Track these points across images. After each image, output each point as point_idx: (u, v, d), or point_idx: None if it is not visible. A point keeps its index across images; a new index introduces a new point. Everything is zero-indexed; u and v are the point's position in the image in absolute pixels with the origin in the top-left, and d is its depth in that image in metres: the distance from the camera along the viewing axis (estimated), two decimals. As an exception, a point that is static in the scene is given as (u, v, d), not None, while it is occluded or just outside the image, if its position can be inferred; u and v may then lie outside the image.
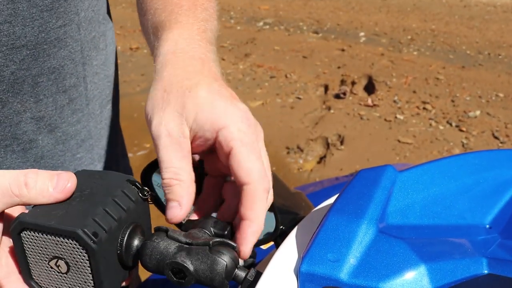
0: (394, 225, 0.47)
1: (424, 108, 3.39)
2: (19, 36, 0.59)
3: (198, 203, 0.49)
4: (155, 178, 0.53)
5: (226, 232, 0.44)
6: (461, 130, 3.11)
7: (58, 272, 0.40)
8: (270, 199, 0.45)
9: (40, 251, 0.39)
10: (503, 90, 3.61)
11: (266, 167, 0.44)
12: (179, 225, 0.46)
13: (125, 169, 0.89)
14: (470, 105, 3.41)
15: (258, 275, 0.42)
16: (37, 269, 0.41)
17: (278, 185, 0.59)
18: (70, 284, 0.40)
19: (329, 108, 3.46)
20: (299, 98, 3.64)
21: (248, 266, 0.42)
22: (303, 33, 5.05)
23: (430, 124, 3.20)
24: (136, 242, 0.41)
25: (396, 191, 0.48)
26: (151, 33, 0.59)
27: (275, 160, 2.82)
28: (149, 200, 0.44)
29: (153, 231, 0.43)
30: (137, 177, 0.48)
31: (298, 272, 0.41)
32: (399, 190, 0.48)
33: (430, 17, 5.42)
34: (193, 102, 0.43)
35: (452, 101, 3.48)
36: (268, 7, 5.88)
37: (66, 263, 0.39)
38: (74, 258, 0.39)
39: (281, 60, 4.33)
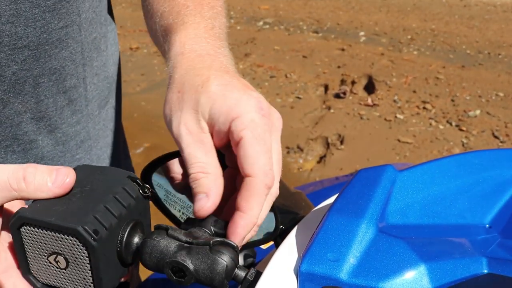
0: (394, 224, 0.47)
1: (424, 108, 3.39)
2: (21, 37, 0.59)
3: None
4: (155, 178, 0.53)
5: (226, 231, 0.44)
6: (461, 130, 3.11)
7: (57, 268, 0.40)
8: (271, 197, 0.44)
9: (39, 247, 0.39)
10: (503, 90, 3.61)
11: (275, 161, 0.43)
12: (178, 223, 0.46)
13: (127, 169, 0.89)
14: (470, 105, 3.41)
15: (258, 274, 0.42)
16: (36, 264, 0.40)
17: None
18: (69, 280, 0.40)
19: (329, 108, 3.46)
20: (299, 98, 3.64)
21: (248, 266, 0.42)
22: (303, 32, 5.05)
23: (430, 124, 3.20)
24: (136, 239, 0.41)
25: (396, 190, 0.48)
26: (160, 36, 0.59)
27: (275, 160, 2.81)
28: (150, 197, 0.44)
29: (153, 229, 0.43)
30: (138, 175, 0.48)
31: (298, 272, 0.41)
32: (399, 189, 0.48)
33: (430, 16, 5.42)
34: (206, 96, 0.43)
35: (452, 100, 3.48)
36: (268, 7, 5.88)
37: (65, 259, 0.39)
38: (73, 254, 0.39)
39: (281, 60, 4.33)
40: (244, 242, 0.43)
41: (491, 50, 4.38)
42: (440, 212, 0.48)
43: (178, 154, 0.49)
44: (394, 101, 3.50)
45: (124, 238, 0.40)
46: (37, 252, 0.40)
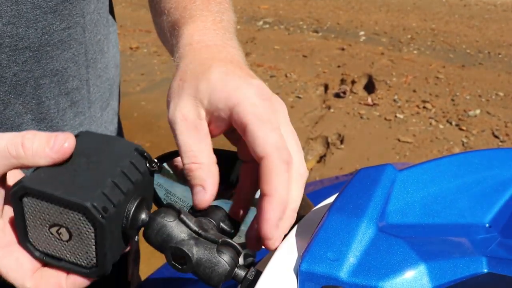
0: (394, 224, 0.47)
1: (424, 107, 3.39)
2: (22, 38, 0.59)
3: (237, 191, 0.47)
4: (155, 177, 0.53)
5: (233, 231, 0.43)
6: (461, 129, 3.11)
7: (58, 239, 0.39)
8: (299, 177, 0.41)
9: (41, 217, 0.38)
10: (503, 89, 3.61)
11: (291, 141, 0.41)
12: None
13: None
14: (470, 104, 3.41)
15: (258, 274, 0.42)
16: (36, 234, 0.39)
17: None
18: (70, 252, 0.39)
19: (329, 108, 3.46)
20: (299, 98, 3.64)
21: (248, 265, 0.42)
22: (303, 32, 5.05)
23: (430, 123, 3.20)
24: (142, 216, 0.40)
25: (396, 190, 0.48)
26: (168, 32, 0.59)
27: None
28: (157, 171, 0.42)
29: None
30: None
31: (298, 271, 0.41)
32: (399, 189, 0.48)
33: (430, 16, 5.42)
34: (206, 83, 0.43)
35: (452, 100, 3.48)
36: (268, 7, 5.88)
37: (69, 232, 0.38)
38: (78, 229, 0.37)
39: (281, 59, 4.33)
40: (283, 232, 0.40)
41: (491, 49, 4.38)
42: (440, 212, 0.48)
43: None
44: (394, 100, 3.50)
45: (131, 215, 0.39)
46: (38, 222, 0.38)
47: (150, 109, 3.46)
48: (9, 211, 0.41)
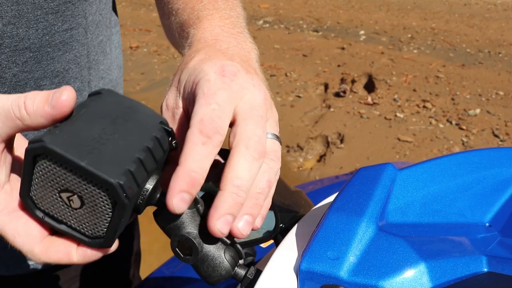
0: (394, 223, 0.47)
1: (424, 107, 3.39)
2: (22, 38, 0.58)
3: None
4: None
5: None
6: (461, 129, 3.11)
7: (67, 205, 0.36)
8: (243, 149, 0.37)
9: (54, 181, 0.35)
10: (503, 88, 3.61)
11: (242, 120, 0.38)
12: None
13: None
14: (470, 104, 3.41)
15: (258, 273, 0.42)
16: (41, 193, 0.36)
17: (278, 183, 0.59)
18: (76, 219, 0.37)
19: (329, 107, 3.46)
20: (299, 97, 3.63)
21: (248, 264, 0.42)
22: (303, 31, 5.05)
23: (430, 123, 3.20)
24: (157, 195, 0.39)
25: (396, 189, 0.48)
26: (176, 33, 0.59)
27: (275, 159, 2.81)
28: (175, 149, 0.40)
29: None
30: None
31: (298, 270, 0.41)
32: (399, 188, 0.48)
33: (430, 15, 5.42)
34: (185, 73, 0.43)
35: (452, 99, 3.48)
36: (268, 6, 5.88)
37: (82, 201, 0.35)
38: (95, 202, 0.35)
39: (281, 58, 4.32)
40: (181, 205, 0.35)
41: (491, 48, 4.38)
42: (440, 211, 0.48)
43: None
44: (394, 99, 3.50)
45: (147, 194, 0.37)
46: (48, 184, 0.35)
47: (150, 109, 3.46)
48: (17, 176, 0.40)
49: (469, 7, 5.67)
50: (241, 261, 0.42)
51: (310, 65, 4.16)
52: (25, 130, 0.38)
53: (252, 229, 0.39)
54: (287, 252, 0.45)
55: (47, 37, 0.60)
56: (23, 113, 0.37)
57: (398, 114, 3.31)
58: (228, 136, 0.39)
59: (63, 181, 0.35)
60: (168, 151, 0.39)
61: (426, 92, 3.60)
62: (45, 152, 0.34)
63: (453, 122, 3.18)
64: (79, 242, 0.38)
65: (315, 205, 0.54)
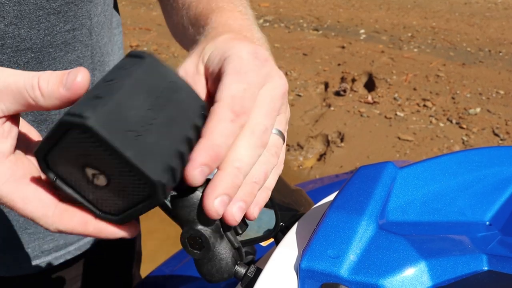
0: (394, 221, 0.47)
1: (424, 106, 3.39)
2: (24, 39, 0.58)
3: None
4: None
5: (241, 232, 0.42)
6: (461, 127, 3.11)
7: (89, 180, 0.33)
8: (251, 134, 0.37)
9: (84, 157, 0.32)
10: (504, 87, 3.61)
11: (262, 103, 0.38)
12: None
13: None
14: (471, 102, 3.41)
15: (258, 271, 0.42)
16: (62, 161, 0.33)
17: (278, 182, 0.59)
18: (94, 194, 0.34)
19: (329, 106, 3.46)
20: (299, 96, 3.63)
21: (248, 263, 0.42)
22: (303, 30, 5.05)
23: (431, 121, 3.20)
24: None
25: (396, 187, 0.48)
26: (189, 25, 0.58)
27: (275, 158, 2.81)
28: None
29: None
30: None
31: (298, 269, 0.41)
32: (399, 186, 0.48)
33: (430, 14, 5.42)
34: (211, 44, 0.42)
35: (453, 98, 3.48)
36: (268, 5, 5.88)
37: (108, 182, 0.33)
38: (125, 188, 0.33)
39: (281, 57, 4.32)
40: (201, 178, 0.34)
41: (492, 47, 4.38)
42: (440, 209, 0.48)
43: None
44: (394, 98, 3.50)
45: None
46: (76, 157, 0.32)
47: (150, 107, 3.46)
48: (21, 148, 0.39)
49: (470, 6, 5.67)
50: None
51: (310, 64, 4.16)
52: (36, 109, 0.37)
53: (249, 219, 0.39)
54: (287, 250, 0.45)
55: (48, 38, 0.60)
56: (38, 94, 0.36)
57: (398, 113, 3.31)
58: None
59: (95, 160, 0.32)
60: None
61: (426, 91, 3.60)
62: (85, 129, 0.30)
63: (454, 121, 3.18)
64: (88, 211, 0.35)
65: (315, 203, 0.54)
